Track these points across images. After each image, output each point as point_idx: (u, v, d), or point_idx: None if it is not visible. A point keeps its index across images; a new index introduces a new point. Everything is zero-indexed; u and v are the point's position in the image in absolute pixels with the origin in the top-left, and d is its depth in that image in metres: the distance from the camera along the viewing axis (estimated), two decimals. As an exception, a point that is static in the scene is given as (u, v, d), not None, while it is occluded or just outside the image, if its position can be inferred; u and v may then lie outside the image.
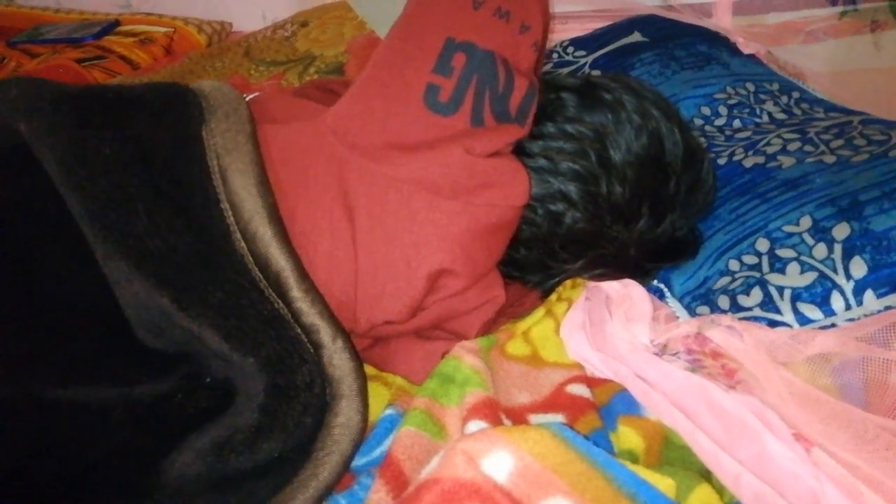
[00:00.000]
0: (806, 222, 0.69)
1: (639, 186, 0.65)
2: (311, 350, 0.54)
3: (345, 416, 0.54)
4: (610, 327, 0.64)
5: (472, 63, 0.59)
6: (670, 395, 0.56)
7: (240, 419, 0.50)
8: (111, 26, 1.51)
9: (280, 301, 0.55)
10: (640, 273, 0.71)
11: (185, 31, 1.51)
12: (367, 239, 0.59)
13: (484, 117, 0.59)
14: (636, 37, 1.12)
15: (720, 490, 0.49)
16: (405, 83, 0.59)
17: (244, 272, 0.55)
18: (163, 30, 1.49)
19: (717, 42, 1.10)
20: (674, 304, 0.74)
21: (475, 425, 0.50)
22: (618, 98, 0.67)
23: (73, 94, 0.58)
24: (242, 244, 0.55)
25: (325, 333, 0.55)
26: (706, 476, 0.50)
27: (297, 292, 0.55)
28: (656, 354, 0.61)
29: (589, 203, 0.65)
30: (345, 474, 0.53)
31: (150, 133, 0.57)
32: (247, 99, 0.65)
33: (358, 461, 0.55)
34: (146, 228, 0.52)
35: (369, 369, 0.69)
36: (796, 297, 0.65)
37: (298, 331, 0.54)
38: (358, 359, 0.56)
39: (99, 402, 0.51)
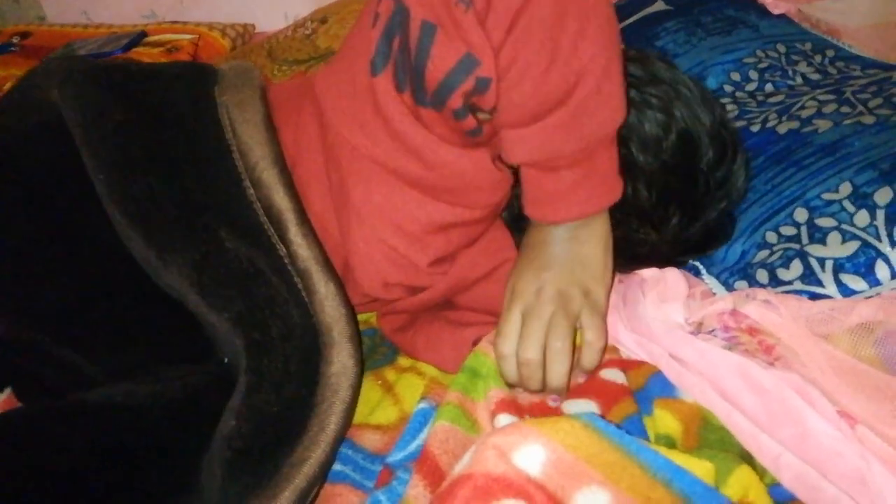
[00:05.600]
0: (846, 189, 0.66)
1: (666, 189, 0.62)
2: (305, 297, 0.56)
3: (339, 364, 0.55)
4: (643, 308, 0.63)
5: (395, 16, 0.50)
6: (707, 374, 0.55)
7: (235, 395, 0.52)
8: (138, 38, 1.54)
9: (283, 246, 0.57)
10: (674, 264, 0.69)
11: (210, 37, 1.54)
12: (339, 211, 0.60)
13: (405, 87, 0.53)
14: (659, 5, 1.09)
15: (761, 472, 0.48)
16: (359, 41, 0.56)
17: (252, 218, 0.57)
18: (188, 37, 1.52)
19: (745, 4, 1.06)
20: (710, 281, 0.72)
21: (505, 418, 0.50)
22: (643, 94, 0.63)
23: (101, 66, 0.62)
24: (252, 191, 0.58)
25: (317, 278, 0.56)
26: (746, 457, 0.49)
27: (294, 235, 0.57)
28: (692, 333, 0.60)
29: (614, 208, 0.62)
30: (351, 421, 0.55)
31: (164, 96, 0.61)
32: None
33: (395, 456, 0.55)
34: (141, 190, 0.55)
35: (404, 360, 0.70)
36: (839, 267, 0.62)
37: (286, 279, 0.56)
38: (349, 305, 0.58)
39: (138, 404, 0.54)
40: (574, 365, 0.54)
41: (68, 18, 1.89)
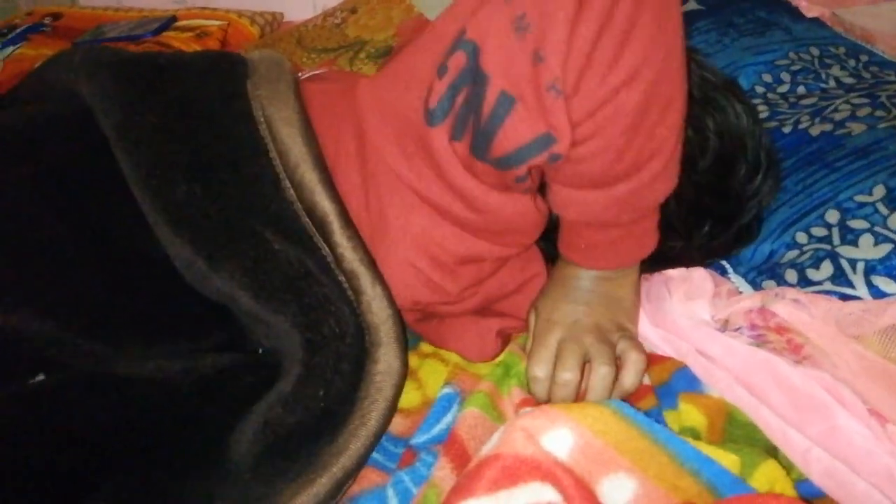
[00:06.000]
0: (879, 191, 0.66)
1: (697, 205, 0.63)
2: (352, 296, 0.55)
3: (385, 363, 0.55)
4: (669, 304, 0.63)
5: (466, 73, 0.49)
6: (734, 370, 0.54)
7: (285, 383, 0.52)
8: (169, 22, 1.55)
9: (326, 247, 0.56)
10: (701, 265, 0.69)
11: (239, 24, 1.55)
12: (373, 230, 0.60)
13: (461, 137, 0.52)
14: (692, 5, 1.08)
15: (788, 468, 0.48)
16: (417, 81, 0.55)
17: (294, 220, 0.56)
18: (217, 23, 1.53)
19: (778, 6, 1.06)
20: (737, 280, 0.72)
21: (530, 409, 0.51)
22: None
23: (128, 59, 0.61)
24: (291, 192, 0.57)
25: (364, 280, 0.56)
26: (772, 453, 0.49)
27: (339, 237, 0.57)
28: (718, 330, 0.59)
29: None
30: (391, 419, 0.55)
31: (196, 92, 0.60)
32: (308, 74, 0.66)
33: (418, 438, 0.56)
34: (185, 195, 0.54)
35: (426, 347, 0.70)
36: (870, 269, 0.62)
37: (333, 278, 0.55)
38: (395, 306, 0.58)
39: (168, 377, 0.54)
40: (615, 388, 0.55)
41: (99, 1, 1.91)
